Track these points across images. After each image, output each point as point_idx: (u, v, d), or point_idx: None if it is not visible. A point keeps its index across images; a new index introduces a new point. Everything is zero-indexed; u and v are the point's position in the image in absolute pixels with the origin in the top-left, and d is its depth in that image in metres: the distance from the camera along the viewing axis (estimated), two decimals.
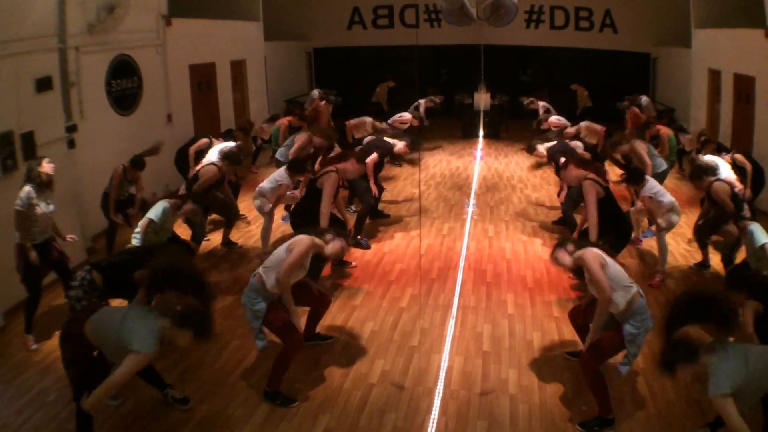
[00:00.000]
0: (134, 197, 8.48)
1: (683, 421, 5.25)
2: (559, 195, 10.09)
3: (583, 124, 12.16)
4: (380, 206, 10.57)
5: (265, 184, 8.65)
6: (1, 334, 6.91)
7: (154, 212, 7.10)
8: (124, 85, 10.51)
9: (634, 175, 8.14)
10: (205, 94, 13.44)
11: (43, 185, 6.56)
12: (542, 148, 10.82)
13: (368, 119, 13.45)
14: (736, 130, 12.27)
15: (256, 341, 5.66)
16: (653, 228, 8.22)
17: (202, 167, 9.00)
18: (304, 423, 5.37)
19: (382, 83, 18.89)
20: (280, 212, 9.78)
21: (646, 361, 6.12)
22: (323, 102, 15.20)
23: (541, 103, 14.89)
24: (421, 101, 15.30)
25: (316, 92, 16.13)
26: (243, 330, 6.90)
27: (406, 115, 14.19)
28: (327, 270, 8.16)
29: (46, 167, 6.61)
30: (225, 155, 8.92)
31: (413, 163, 14.18)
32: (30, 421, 5.44)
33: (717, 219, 7.12)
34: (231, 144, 9.67)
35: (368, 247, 9.21)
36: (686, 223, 9.51)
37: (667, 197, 7.91)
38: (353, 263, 8.54)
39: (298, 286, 5.78)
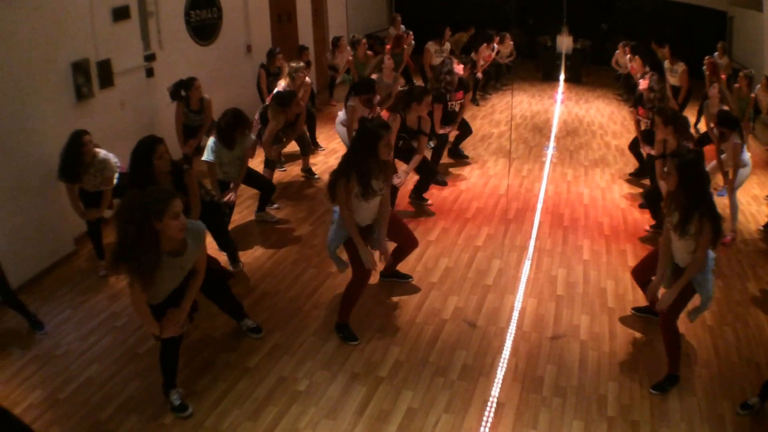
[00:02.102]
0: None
1: (743, 383, 5.09)
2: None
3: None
4: (461, 145, 10.36)
5: (341, 114, 8.64)
6: (71, 259, 7.05)
7: (206, 153, 6.85)
8: (204, 15, 10.49)
9: (729, 118, 7.72)
10: (285, 26, 13.34)
11: None
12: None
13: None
14: None
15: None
16: (725, 186, 7.86)
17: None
18: (374, 354, 5.38)
19: (461, 32, 18.11)
20: None
21: (714, 318, 5.98)
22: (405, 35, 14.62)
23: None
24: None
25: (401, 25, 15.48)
26: (318, 259, 6.96)
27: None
28: (404, 204, 8.16)
29: None
30: (274, 97, 8.65)
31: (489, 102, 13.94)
32: (98, 344, 5.58)
33: None
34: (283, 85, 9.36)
35: (445, 184, 9.08)
36: (758, 183, 9.23)
37: (745, 151, 7.60)
38: (430, 201, 8.43)
39: (391, 223, 5.70)
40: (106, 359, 5.37)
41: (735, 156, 7.41)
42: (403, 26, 14.58)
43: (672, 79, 11.76)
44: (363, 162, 5.20)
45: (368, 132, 5.26)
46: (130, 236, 3.96)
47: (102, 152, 6.38)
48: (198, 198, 5.72)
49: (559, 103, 13.82)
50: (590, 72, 17.76)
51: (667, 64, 12.10)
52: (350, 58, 12.44)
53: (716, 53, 13.05)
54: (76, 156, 6.19)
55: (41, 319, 5.79)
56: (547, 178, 9.34)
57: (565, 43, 16.13)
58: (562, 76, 14.68)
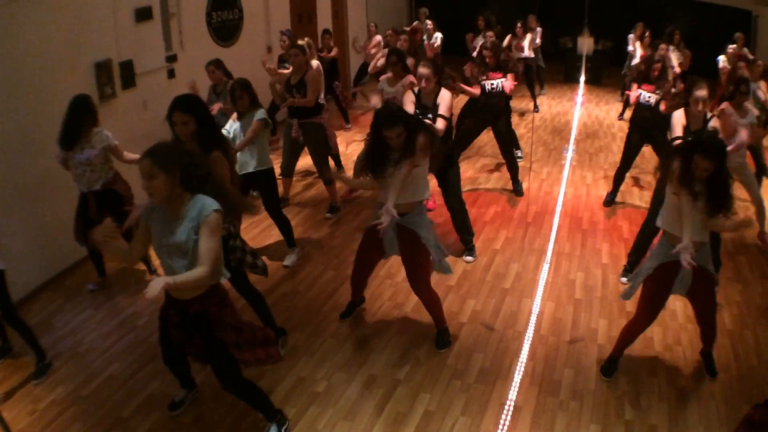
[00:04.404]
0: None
1: (763, 386, 5.06)
2: None
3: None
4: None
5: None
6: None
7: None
8: (225, 16, 10.56)
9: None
10: (306, 26, 13.39)
11: None
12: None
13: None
14: None
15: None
16: None
17: None
18: (392, 356, 5.42)
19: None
20: None
21: (734, 322, 5.96)
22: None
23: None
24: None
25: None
26: (337, 261, 7.03)
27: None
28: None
29: None
30: None
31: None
32: (119, 342, 5.67)
33: None
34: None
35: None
36: None
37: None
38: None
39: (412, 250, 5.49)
40: (127, 357, 5.45)
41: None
42: (429, 21, 14.41)
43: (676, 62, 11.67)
44: (373, 144, 5.15)
45: (377, 118, 5.12)
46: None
47: (100, 129, 6.14)
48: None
49: (579, 105, 13.77)
50: (611, 74, 17.67)
51: (672, 48, 11.97)
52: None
53: (732, 46, 12.87)
54: (74, 120, 5.96)
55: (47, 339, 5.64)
56: (567, 181, 9.32)
57: (586, 44, 16.04)
58: (582, 78, 14.61)
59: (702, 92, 6.59)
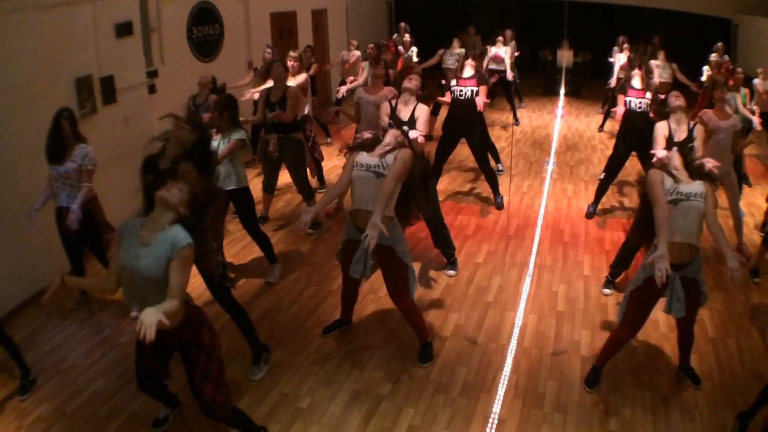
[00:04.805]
0: None
1: (746, 394, 5.09)
2: None
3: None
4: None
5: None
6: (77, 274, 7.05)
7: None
8: (206, 31, 10.56)
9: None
10: (286, 42, 13.42)
11: None
12: None
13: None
14: None
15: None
16: None
17: None
18: (376, 371, 5.41)
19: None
20: None
21: (716, 331, 6.02)
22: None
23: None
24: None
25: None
26: (319, 277, 7.01)
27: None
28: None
29: None
30: None
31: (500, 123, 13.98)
32: (103, 359, 5.64)
33: None
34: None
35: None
36: (761, 194, 9.25)
37: None
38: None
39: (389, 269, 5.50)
40: (111, 374, 5.42)
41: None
42: (408, 35, 14.51)
43: (663, 79, 11.75)
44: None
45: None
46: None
47: (85, 146, 6.07)
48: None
49: (560, 118, 13.87)
50: (591, 86, 17.81)
51: (656, 62, 12.06)
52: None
53: (713, 54, 13.02)
54: (56, 132, 5.95)
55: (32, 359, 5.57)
56: (548, 193, 9.39)
57: (565, 57, 16.19)
58: (562, 91, 14.74)
59: (678, 101, 6.69)
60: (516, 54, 14.44)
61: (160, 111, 8.78)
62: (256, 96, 8.33)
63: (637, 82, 7.98)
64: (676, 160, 4.98)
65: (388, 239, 5.07)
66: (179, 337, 3.97)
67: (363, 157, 5.17)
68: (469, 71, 8.34)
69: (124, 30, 8.11)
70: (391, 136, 5.27)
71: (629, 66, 8.55)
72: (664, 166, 4.97)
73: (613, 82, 13.03)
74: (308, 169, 8.42)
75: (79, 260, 6.32)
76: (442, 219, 7.05)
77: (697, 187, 4.74)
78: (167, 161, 4.45)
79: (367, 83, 8.79)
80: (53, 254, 6.44)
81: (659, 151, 6.59)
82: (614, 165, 8.43)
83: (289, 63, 8.50)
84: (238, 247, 7.69)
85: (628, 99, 7.99)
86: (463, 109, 8.38)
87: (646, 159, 7.43)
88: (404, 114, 6.73)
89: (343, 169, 5.30)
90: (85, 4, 7.43)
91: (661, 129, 6.70)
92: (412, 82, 6.90)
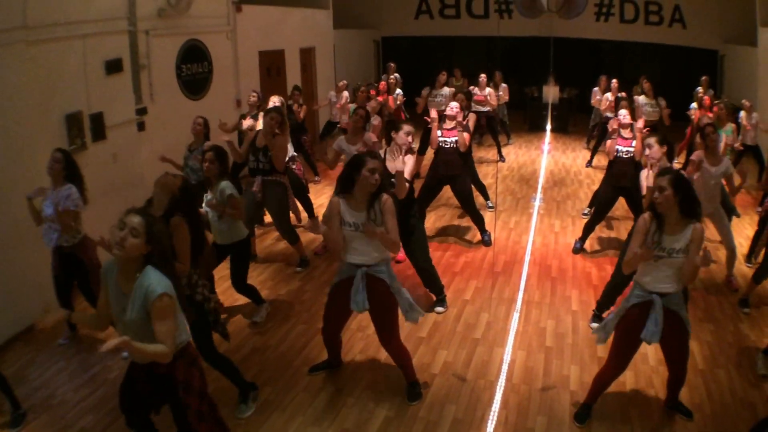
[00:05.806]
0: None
1: (737, 423, 5.11)
2: None
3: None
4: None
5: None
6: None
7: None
8: (195, 69, 10.65)
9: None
10: (275, 80, 13.54)
11: None
12: None
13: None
14: None
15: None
16: None
17: None
18: (364, 410, 5.37)
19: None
20: None
21: (706, 362, 6.03)
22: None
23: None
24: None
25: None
26: (307, 315, 7.00)
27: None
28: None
29: None
30: None
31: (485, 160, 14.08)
32: (92, 396, 5.59)
33: None
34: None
35: None
36: (750, 224, 9.32)
37: None
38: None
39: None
40: (100, 410, 5.37)
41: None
42: (396, 74, 14.68)
43: (651, 116, 11.89)
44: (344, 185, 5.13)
45: (354, 158, 5.13)
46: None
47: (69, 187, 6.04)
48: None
49: (546, 154, 13.97)
50: (577, 122, 17.99)
51: (644, 99, 12.21)
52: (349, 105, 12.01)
53: (700, 88, 13.19)
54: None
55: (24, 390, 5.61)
56: (535, 229, 9.44)
57: (551, 93, 16.37)
58: (548, 126, 14.89)
59: (650, 140, 6.82)
60: (506, 97, 14.60)
61: (148, 148, 8.87)
62: (245, 125, 8.41)
63: (625, 132, 8.12)
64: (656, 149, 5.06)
65: (382, 272, 5.14)
66: (170, 371, 3.93)
67: (349, 216, 5.08)
68: (450, 124, 8.41)
69: (113, 67, 8.18)
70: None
71: (615, 105, 8.65)
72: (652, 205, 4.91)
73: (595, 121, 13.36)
74: (292, 214, 8.44)
75: (68, 298, 6.29)
76: (430, 261, 7.09)
77: (682, 239, 4.65)
78: (159, 209, 4.51)
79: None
80: (42, 291, 6.42)
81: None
82: (600, 208, 8.56)
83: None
84: (226, 284, 7.65)
85: (616, 147, 8.07)
86: (448, 155, 8.44)
87: (634, 205, 7.76)
88: (393, 166, 6.48)
89: (330, 214, 5.14)
90: (75, 40, 7.50)
91: (645, 174, 6.80)
92: (401, 137, 6.77)
